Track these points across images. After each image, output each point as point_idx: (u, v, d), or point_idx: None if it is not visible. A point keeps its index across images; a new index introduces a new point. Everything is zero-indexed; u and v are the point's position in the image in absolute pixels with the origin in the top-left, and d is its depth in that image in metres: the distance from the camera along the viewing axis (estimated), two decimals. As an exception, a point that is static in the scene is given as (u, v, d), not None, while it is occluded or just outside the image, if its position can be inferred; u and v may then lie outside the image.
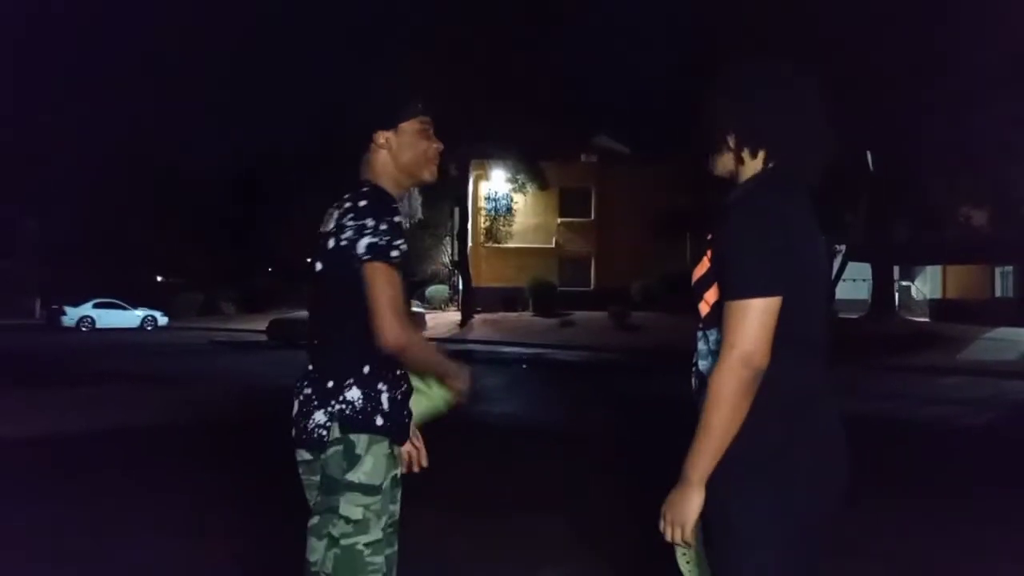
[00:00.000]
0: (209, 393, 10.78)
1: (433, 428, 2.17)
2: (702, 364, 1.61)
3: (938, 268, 30.95)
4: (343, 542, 1.83)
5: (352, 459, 1.85)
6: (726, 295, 1.50)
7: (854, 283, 27.94)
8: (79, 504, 4.72)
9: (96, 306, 31.33)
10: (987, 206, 24.65)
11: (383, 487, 1.88)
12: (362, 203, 1.88)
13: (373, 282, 1.83)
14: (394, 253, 1.85)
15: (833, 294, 19.82)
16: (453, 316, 30.89)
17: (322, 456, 1.89)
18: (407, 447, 2.06)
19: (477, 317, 28.79)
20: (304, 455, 1.96)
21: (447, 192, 32.19)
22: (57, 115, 37.41)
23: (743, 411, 1.47)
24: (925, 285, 33.09)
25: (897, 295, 28.86)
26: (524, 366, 16.75)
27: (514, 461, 6.32)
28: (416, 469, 2.12)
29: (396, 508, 1.99)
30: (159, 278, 43.30)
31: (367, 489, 1.85)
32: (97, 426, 7.62)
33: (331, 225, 1.92)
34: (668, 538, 1.55)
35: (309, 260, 2.04)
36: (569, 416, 9.46)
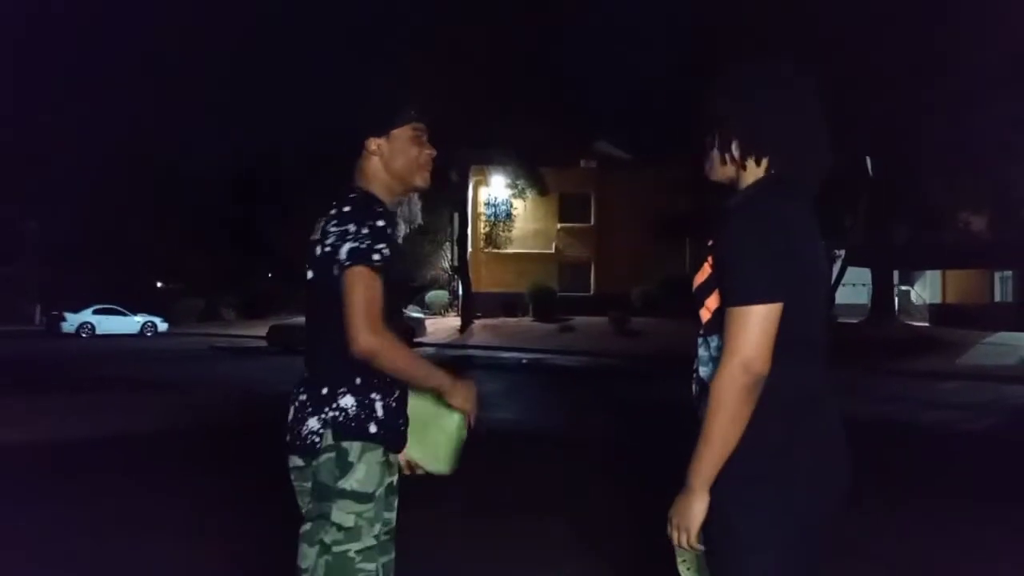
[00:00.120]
0: (209, 398, 10.77)
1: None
2: (703, 370, 1.61)
3: (938, 273, 30.94)
4: (335, 549, 1.82)
5: (344, 466, 1.83)
6: (727, 301, 1.50)
7: (854, 288, 27.94)
8: (79, 505, 4.74)
9: (96, 312, 31.33)
10: (986, 211, 24.66)
11: (376, 495, 1.86)
12: (346, 209, 1.88)
13: (350, 286, 1.80)
14: (375, 257, 1.82)
15: (833, 297, 19.83)
16: (453, 321, 30.90)
17: (314, 463, 1.87)
18: (403, 456, 2.03)
19: (477, 322, 28.78)
20: (296, 461, 1.94)
21: (447, 197, 32.21)
22: (57, 115, 37.50)
23: (745, 417, 1.47)
24: (925, 290, 33.09)
25: (897, 300, 28.86)
26: (523, 360, 17.25)
27: (514, 463, 6.31)
28: (420, 472, 2.10)
29: (392, 516, 1.97)
30: (159, 284, 43.29)
31: (359, 497, 1.83)
32: (98, 431, 7.62)
33: (318, 233, 1.92)
34: (675, 543, 1.56)
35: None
36: (569, 421, 9.46)
